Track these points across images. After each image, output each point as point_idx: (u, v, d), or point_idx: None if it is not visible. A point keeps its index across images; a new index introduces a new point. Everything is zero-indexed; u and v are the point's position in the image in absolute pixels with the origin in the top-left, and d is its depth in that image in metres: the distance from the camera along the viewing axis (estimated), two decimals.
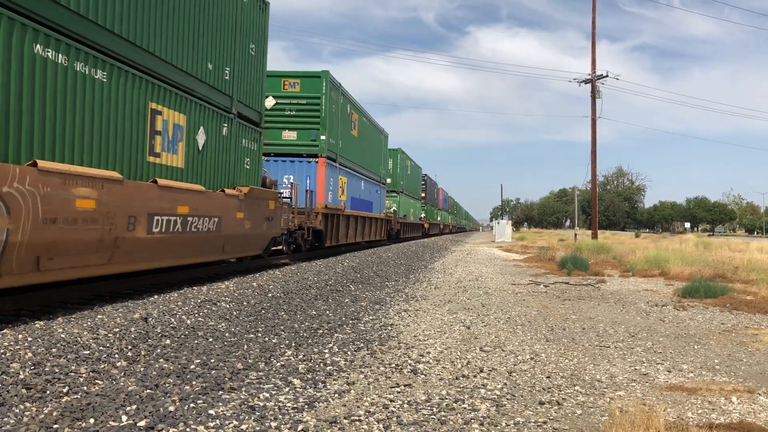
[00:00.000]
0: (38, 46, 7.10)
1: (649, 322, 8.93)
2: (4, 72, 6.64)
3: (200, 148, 11.24)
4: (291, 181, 18.42)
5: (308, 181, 19.04)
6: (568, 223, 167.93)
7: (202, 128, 11.28)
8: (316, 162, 19.29)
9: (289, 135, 19.28)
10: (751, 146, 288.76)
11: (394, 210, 36.21)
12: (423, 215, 50.46)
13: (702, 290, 11.62)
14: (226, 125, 12.37)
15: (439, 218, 63.93)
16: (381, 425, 4.17)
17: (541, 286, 13.74)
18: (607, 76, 34.17)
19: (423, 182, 51.51)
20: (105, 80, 8.33)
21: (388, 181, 35.02)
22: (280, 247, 18.10)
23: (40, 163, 6.91)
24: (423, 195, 50.92)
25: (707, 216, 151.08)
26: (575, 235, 39.96)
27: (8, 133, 6.70)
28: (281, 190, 16.88)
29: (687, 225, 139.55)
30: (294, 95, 19.29)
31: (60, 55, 7.46)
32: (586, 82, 34.49)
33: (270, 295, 10.26)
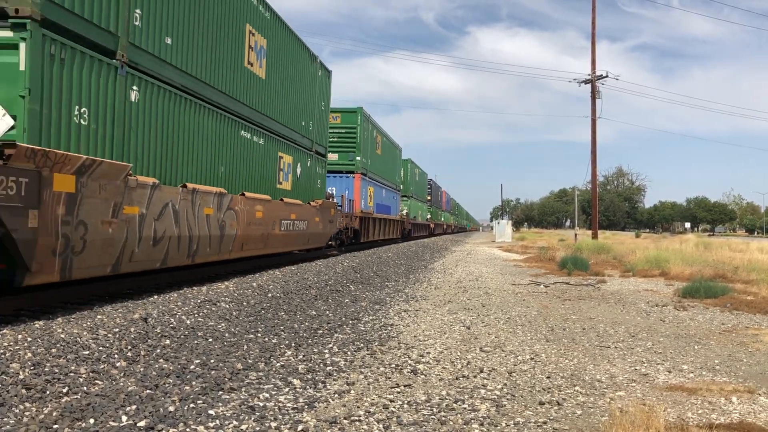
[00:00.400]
0: (243, 131, 13.36)
1: (649, 322, 8.92)
2: (229, 148, 12.63)
3: (298, 176, 17.45)
4: (333, 192, 22.75)
5: (347, 192, 24.30)
6: (568, 223, 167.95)
7: (299, 164, 17.53)
8: (353, 177, 25.13)
9: (332, 156, 24.11)
10: (751, 146, 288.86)
11: (406, 212, 40.89)
12: (429, 216, 55.28)
13: (702, 290, 11.62)
14: (309, 160, 18.60)
15: (442, 219, 68.89)
16: (381, 425, 4.16)
17: (542, 286, 13.74)
18: (607, 76, 34.18)
19: (429, 187, 56.83)
20: (262, 143, 14.55)
21: (401, 187, 40.06)
22: (330, 243, 22.54)
23: (247, 193, 13.20)
24: (429, 198, 56.06)
25: (707, 216, 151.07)
26: (575, 235, 39.97)
27: (233, 180, 12.84)
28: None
29: (687, 225, 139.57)
30: (336, 126, 24.84)
31: (248, 134, 13.71)
32: (586, 82, 34.50)
33: (270, 295, 10.26)
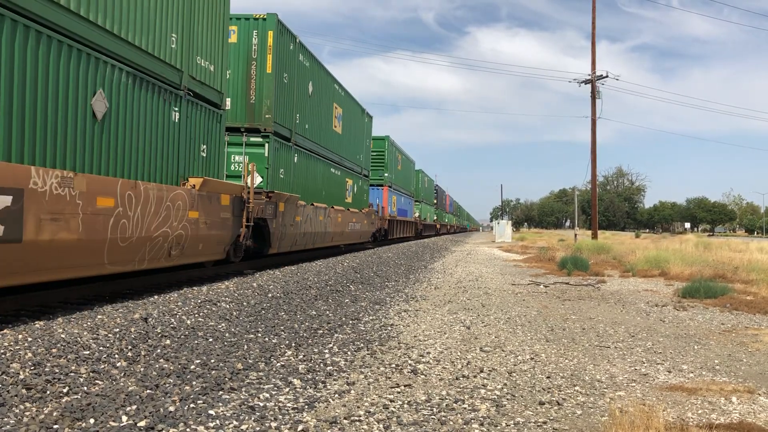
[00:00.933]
0: (332, 169, 21.28)
1: (649, 322, 8.92)
2: (326, 179, 20.51)
3: (355, 192, 24.82)
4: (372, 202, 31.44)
5: (378, 200, 32.01)
6: (568, 223, 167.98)
7: (355, 184, 24.94)
8: (383, 189, 33.10)
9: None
10: (751, 146, 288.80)
11: (418, 215, 48.12)
12: (435, 218, 62.51)
13: (702, 290, 11.62)
14: (360, 180, 26.12)
15: (446, 220, 76.71)
16: (381, 425, 4.17)
17: (541, 286, 13.74)
18: (607, 76, 34.18)
19: (435, 192, 64.39)
20: (339, 174, 22.06)
21: (414, 193, 47.32)
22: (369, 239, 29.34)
23: (334, 207, 20.99)
24: (435, 202, 63.28)
25: (707, 216, 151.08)
26: (575, 235, 39.97)
27: (327, 198, 20.09)
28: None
29: (687, 225, 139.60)
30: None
31: (333, 169, 21.34)
32: (586, 82, 34.50)
33: (270, 295, 10.26)
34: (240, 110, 14.59)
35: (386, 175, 34.04)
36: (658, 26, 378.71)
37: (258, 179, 14.03)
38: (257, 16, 14.84)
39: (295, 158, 16.69)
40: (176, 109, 10.33)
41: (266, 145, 14.55)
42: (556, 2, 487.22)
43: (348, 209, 23.31)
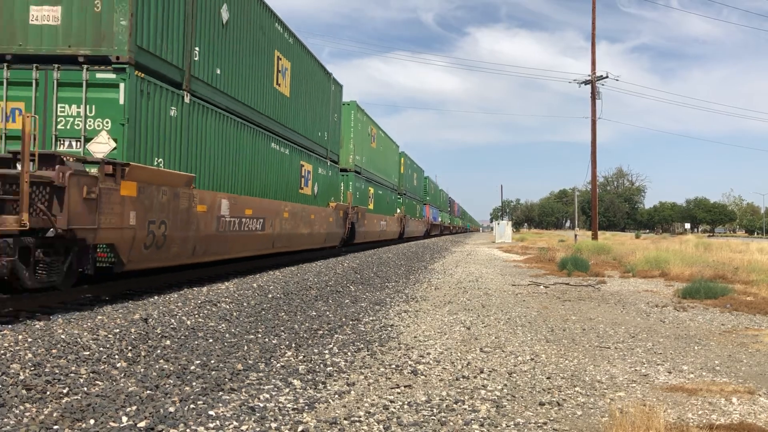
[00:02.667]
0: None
1: (649, 322, 8.92)
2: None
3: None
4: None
5: (424, 211, 50.42)
6: (568, 223, 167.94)
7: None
8: (426, 206, 52.50)
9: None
10: (751, 147, 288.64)
11: (440, 220, 66.91)
12: (448, 221, 78.89)
13: (702, 291, 11.61)
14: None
15: (455, 222, 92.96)
16: (381, 426, 4.17)
17: (542, 286, 13.74)
18: (606, 77, 34.18)
19: (449, 202, 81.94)
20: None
21: (441, 205, 69.34)
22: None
23: (363, 211, 25.11)
24: (448, 209, 79.65)
25: (707, 217, 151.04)
26: (575, 235, 39.96)
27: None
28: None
29: (687, 226, 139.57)
30: (421, 183, 52.15)
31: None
32: (585, 83, 34.51)
33: (270, 296, 10.26)
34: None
35: (428, 198, 54.49)
36: (657, 27, 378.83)
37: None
38: (347, 103, 15.54)
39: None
40: (322, 171, 19.43)
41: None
42: (555, 3, 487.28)
43: (408, 216, 30.44)
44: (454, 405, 4.69)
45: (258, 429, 4.04)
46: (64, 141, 8.84)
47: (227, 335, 7.04)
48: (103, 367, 5.34)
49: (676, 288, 13.19)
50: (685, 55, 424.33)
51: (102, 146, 8.73)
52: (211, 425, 4.06)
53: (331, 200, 20.15)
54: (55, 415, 4.12)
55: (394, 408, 4.58)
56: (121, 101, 8.70)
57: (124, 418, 4.11)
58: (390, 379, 5.43)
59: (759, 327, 8.63)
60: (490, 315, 9.30)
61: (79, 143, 8.76)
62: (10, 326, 6.59)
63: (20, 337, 6.09)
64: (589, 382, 5.48)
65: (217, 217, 11.30)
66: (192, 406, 4.45)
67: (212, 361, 5.76)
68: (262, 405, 4.54)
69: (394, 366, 5.88)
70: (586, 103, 52.71)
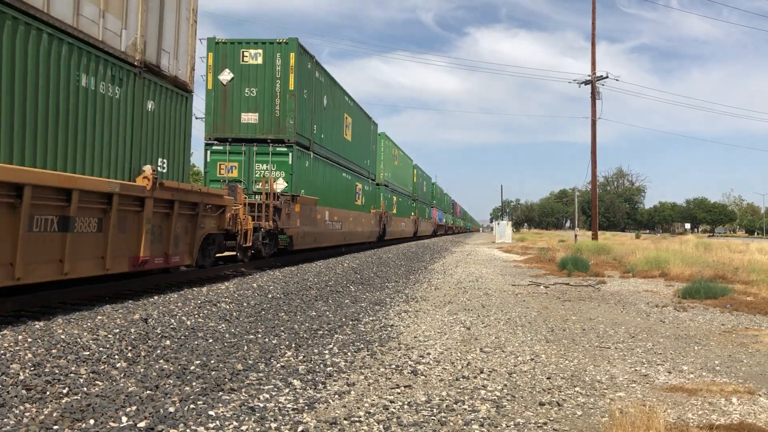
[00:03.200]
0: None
1: (649, 323, 8.92)
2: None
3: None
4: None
5: (433, 214, 60.55)
6: (568, 224, 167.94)
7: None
8: (433, 209, 60.55)
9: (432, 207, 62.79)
10: (750, 147, 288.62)
11: (445, 220, 76.31)
12: (451, 222, 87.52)
13: (702, 291, 11.61)
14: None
15: (456, 223, 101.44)
16: (381, 426, 4.17)
17: (542, 287, 13.74)
18: (607, 77, 34.18)
19: (452, 204, 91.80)
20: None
21: (444, 207, 77.55)
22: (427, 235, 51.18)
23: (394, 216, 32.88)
24: (451, 211, 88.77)
25: (707, 217, 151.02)
26: (575, 235, 39.96)
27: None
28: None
29: (687, 226, 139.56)
30: (434, 190, 64.74)
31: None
32: (586, 83, 34.50)
33: (270, 296, 10.26)
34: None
35: (434, 202, 62.72)
36: (657, 27, 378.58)
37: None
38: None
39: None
40: (366, 187, 27.13)
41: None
42: (555, 3, 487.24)
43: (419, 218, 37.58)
44: (454, 405, 4.69)
45: (258, 429, 4.04)
46: (257, 183, 16.30)
47: (227, 335, 7.04)
48: (103, 367, 5.34)
49: (676, 288, 13.19)
50: (684, 55, 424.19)
51: (281, 185, 16.46)
52: (211, 425, 4.06)
53: (371, 208, 28.24)
54: (55, 415, 4.12)
55: (394, 408, 4.58)
56: (290, 162, 16.56)
57: (124, 418, 4.11)
58: (390, 379, 5.43)
59: (759, 327, 8.63)
60: (490, 315, 9.30)
61: (266, 184, 15.98)
62: (10, 326, 6.59)
63: (20, 337, 6.09)
64: (589, 382, 5.48)
65: (324, 221, 19.66)
66: (192, 406, 4.44)
67: (212, 361, 5.76)
68: (262, 405, 4.54)
69: (394, 366, 5.88)
70: (586, 103, 52.84)
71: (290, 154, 16.32)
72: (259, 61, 16.38)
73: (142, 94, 9.49)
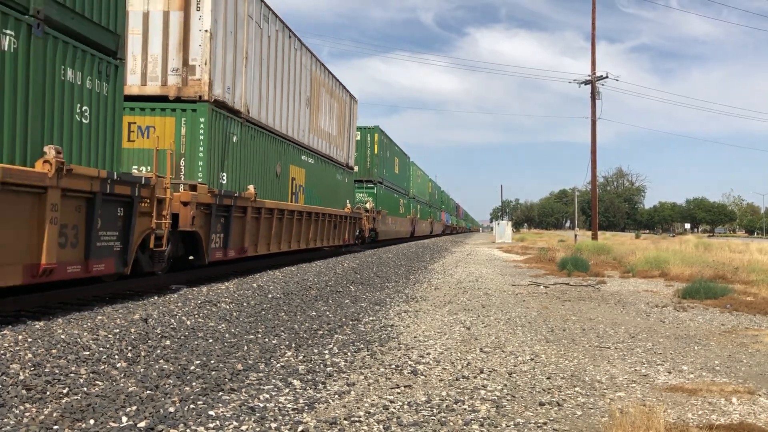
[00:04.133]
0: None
1: (649, 323, 8.92)
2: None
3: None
4: (444, 218, 77.28)
5: (443, 217, 75.48)
6: (568, 224, 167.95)
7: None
8: (442, 212, 73.62)
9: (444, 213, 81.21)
10: (750, 147, 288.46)
11: (451, 222, 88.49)
12: (455, 223, 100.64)
13: (702, 291, 11.61)
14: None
15: (459, 224, 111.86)
16: (381, 426, 4.17)
17: (541, 287, 13.74)
18: (606, 77, 34.19)
19: (456, 206, 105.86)
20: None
21: (450, 210, 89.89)
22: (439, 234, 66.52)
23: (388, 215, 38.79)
24: (455, 213, 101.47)
25: (707, 217, 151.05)
26: (575, 235, 39.98)
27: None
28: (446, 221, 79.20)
29: (687, 226, 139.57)
30: (446, 199, 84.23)
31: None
32: (585, 83, 34.52)
33: (270, 296, 10.26)
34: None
35: (443, 206, 74.40)
36: (657, 27, 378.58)
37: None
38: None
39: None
40: (404, 201, 41.93)
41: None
42: (555, 3, 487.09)
43: (405, 216, 41.64)
44: (454, 405, 4.69)
45: (258, 429, 4.04)
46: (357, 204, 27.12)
47: (227, 335, 7.04)
48: (103, 367, 5.35)
49: (676, 288, 13.19)
50: (684, 55, 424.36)
51: (368, 205, 28.45)
52: (211, 425, 4.06)
53: (407, 215, 41.07)
54: (55, 415, 4.12)
55: (394, 408, 4.58)
56: (375, 192, 30.04)
57: (124, 418, 4.11)
58: (390, 379, 5.43)
59: (759, 327, 8.63)
60: (490, 315, 9.30)
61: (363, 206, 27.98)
62: (10, 326, 6.59)
63: (20, 337, 6.10)
64: (589, 382, 5.48)
65: (389, 224, 32.85)
66: (192, 406, 4.45)
67: (212, 361, 5.76)
68: (262, 405, 4.54)
69: (394, 366, 5.88)
70: (585, 103, 53.07)
71: (375, 187, 30.29)
72: (359, 137, 28.76)
73: (345, 177, 23.71)
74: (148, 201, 9.32)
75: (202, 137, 11.55)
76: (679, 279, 15.39)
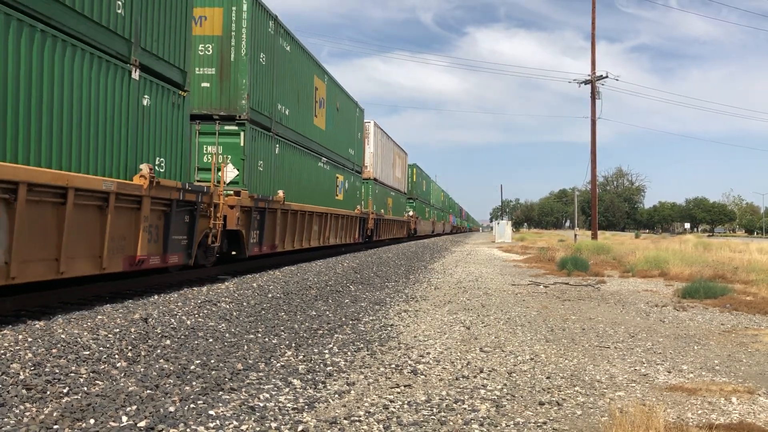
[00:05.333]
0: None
1: (649, 322, 8.93)
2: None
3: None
4: (451, 219, 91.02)
5: (450, 219, 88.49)
6: (567, 223, 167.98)
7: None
8: (450, 215, 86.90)
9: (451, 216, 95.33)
10: (750, 146, 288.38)
11: (455, 223, 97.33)
12: (459, 223, 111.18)
13: (702, 291, 11.62)
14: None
15: (462, 224, 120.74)
16: (381, 426, 4.17)
17: (541, 286, 13.74)
18: (606, 77, 34.19)
19: (460, 208, 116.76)
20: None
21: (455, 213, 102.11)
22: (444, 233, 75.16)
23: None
24: (459, 215, 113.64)
25: (707, 217, 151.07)
26: (575, 235, 39.99)
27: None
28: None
29: (687, 226, 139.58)
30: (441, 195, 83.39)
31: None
32: (585, 83, 34.51)
33: (270, 295, 10.26)
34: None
35: (451, 210, 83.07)
36: (656, 27, 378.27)
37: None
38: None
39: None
40: (429, 209, 58.21)
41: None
42: (554, 3, 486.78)
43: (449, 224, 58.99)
44: (454, 404, 4.70)
45: (258, 429, 4.04)
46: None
47: (227, 335, 7.04)
48: (103, 366, 5.35)
49: (675, 288, 13.20)
50: (684, 54, 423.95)
51: (411, 213, 42.57)
52: (211, 425, 4.07)
53: (430, 218, 52.15)
54: (55, 414, 4.13)
55: (394, 408, 4.59)
56: (414, 205, 45.85)
57: (124, 418, 4.11)
58: (390, 378, 5.44)
59: (759, 327, 8.64)
60: (489, 315, 9.31)
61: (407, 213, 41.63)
62: (10, 326, 6.60)
63: (20, 336, 6.10)
64: (589, 382, 5.49)
65: (421, 224, 48.55)
66: (192, 405, 4.45)
67: (212, 361, 5.76)
68: (262, 405, 4.54)
69: (393, 366, 5.88)
70: (585, 103, 53.18)
71: (414, 202, 38.95)
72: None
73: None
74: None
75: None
76: (678, 279, 15.39)
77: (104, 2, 8.35)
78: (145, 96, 9.41)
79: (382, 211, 31.59)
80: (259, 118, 14.33)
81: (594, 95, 33.75)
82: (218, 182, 12.00)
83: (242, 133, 13.44)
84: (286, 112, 16.30)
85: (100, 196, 8.09)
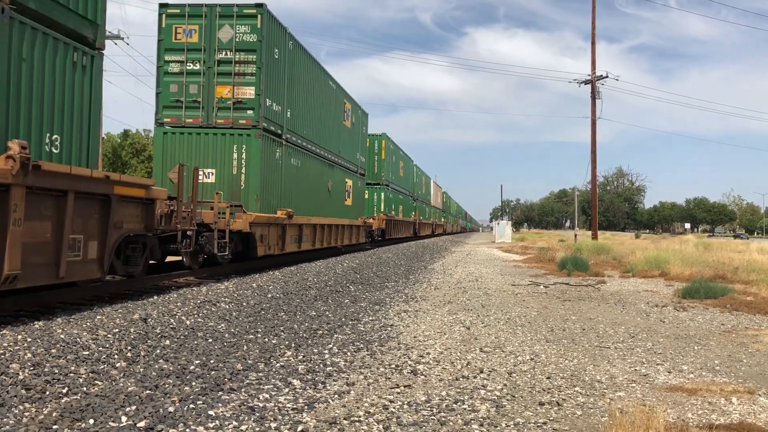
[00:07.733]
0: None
1: (649, 322, 8.92)
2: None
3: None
4: (460, 221, 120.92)
5: (459, 221, 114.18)
6: (568, 223, 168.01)
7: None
8: (459, 218, 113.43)
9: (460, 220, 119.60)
10: (750, 146, 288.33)
11: (462, 224, 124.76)
12: (463, 224, 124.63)
13: (702, 291, 11.61)
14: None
15: (465, 225, 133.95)
16: (381, 426, 4.16)
17: (541, 286, 13.74)
18: (606, 77, 34.17)
19: (464, 212, 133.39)
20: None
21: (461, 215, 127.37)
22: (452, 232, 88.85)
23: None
24: (463, 216, 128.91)
25: (707, 217, 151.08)
26: (575, 235, 39.97)
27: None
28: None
29: (687, 226, 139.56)
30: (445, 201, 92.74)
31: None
32: (585, 82, 34.50)
33: (270, 295, 10.26)
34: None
35: (461, 215, 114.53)
36: (656, 27, 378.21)
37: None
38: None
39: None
40: (445, 215, 76.42)
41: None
42: (553, 3, 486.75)
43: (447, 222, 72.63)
44: (454, 405, 4.69)
45: (257, 429, 4.04)
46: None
47: (227, 335, 7.04)
48: (102, 366, 5.34)
49: (676, 288, 13.19)
50: (683, 54, 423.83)
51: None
52: (211, 425, 4.06)
53: (442, 220, 63.45)
54: (54, 414, 4.12)
55: (394, 408, 4.58)
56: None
57: (124, 418, 4.10)
58: (390, 379, 5.43)
59: (759, 327, 8.63)
60: (489, 315, 9.30)
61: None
62: (9, 326, 6.59)
63: (20, 336, 6.09)
64: (589, 382, 5.48)
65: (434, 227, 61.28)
66: (191, 405, 4.44)
67: (212, 361, 5.75)
68: (261, 405, 4.53)
69: (393, 366, 5.87)
70: (585, 103, 53.25)
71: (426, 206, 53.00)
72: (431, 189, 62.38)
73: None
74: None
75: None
76: (679, 279, 15.38)
77: None
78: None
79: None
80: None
81: (594, 95, 33.74)
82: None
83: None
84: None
85: None
